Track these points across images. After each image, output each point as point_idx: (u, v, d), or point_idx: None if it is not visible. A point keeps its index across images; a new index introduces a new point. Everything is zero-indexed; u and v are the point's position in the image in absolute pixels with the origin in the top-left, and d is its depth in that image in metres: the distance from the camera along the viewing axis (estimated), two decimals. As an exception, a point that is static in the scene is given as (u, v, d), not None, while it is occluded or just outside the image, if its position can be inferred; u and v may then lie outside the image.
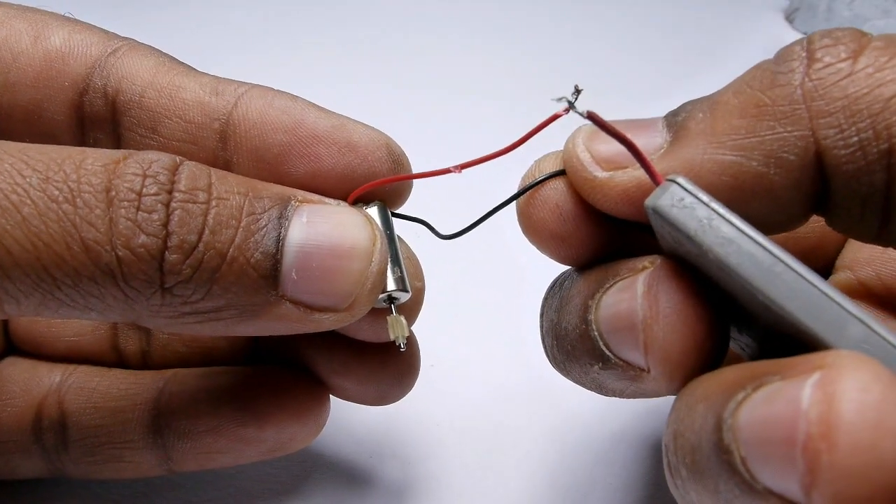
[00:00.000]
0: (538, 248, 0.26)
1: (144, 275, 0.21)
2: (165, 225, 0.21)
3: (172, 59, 0.27)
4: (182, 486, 0.33)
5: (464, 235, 0.27)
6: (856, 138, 0.20)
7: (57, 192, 0.20)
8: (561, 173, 0.24)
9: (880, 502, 0.15)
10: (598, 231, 0.25)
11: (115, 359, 0.31)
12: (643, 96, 0.60)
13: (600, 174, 0.23)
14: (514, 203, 0.26)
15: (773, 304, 0.19)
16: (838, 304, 0.19)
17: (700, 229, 0.20)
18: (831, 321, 0.18)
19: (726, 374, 0.20)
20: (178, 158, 0.23)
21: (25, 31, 0.26)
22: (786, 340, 0.20)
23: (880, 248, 0.28)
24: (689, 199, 0.20)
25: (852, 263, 0.29)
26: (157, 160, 0.22)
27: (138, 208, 0.21)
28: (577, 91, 0.22)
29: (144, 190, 0.21)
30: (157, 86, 0.26)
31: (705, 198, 0.20)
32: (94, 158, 0.21)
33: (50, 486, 0.33)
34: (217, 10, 0.69)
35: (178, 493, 0.33)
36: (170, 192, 0.22)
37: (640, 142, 0.22)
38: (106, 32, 0.28)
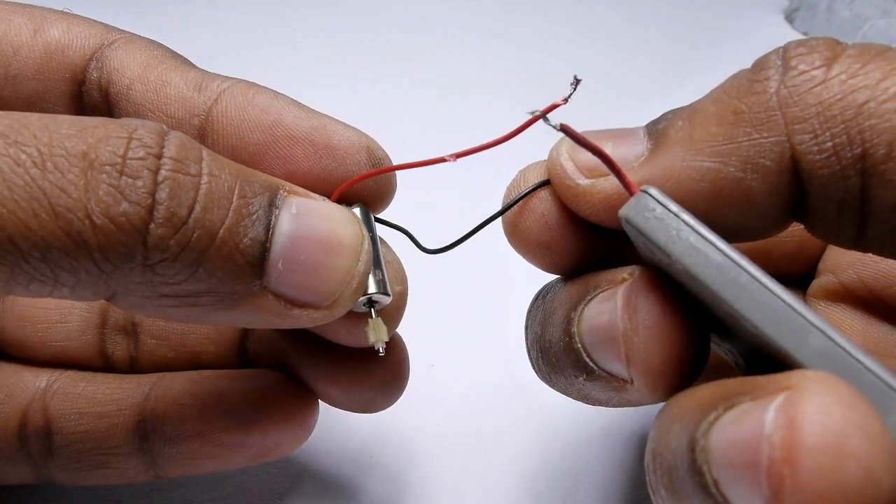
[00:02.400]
0: (524, 256, 0.26)
1: (124, 247, 0.19)
2: (152, 194, 0.20)
3: (169, 53, 0.27)
4: (182, 486, 0.33)
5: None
6: (830, 143, 0.20)
7: (24, 157, 0.19)
8: (545, 183, 0.25)
9: None
10: (583, 239, 0.25)
11: (103, 364, 0.31)
12: (643, 96, 0.60)
13: (583, 181, 0.23)
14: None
15: (737, 315, 0.19)
16: (800, 314, 0.19)
17: (669, 239, 0.20)
18: (793, 331, 0.19)
19: (701, 393, 0.20)
20: (164, 126, 0.21)
21: (25, 25, 0.26)
22: (760, 350, 0.20)
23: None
24: (659, 210, 0.20)
25: (834, 267, 0.29)
26: (143, 125, 0.21)
27: (121, 173, 0.19)
28: (577, 81, 0.23)
29: (130, 153, 0.20)
30: (145, 80, 0.26)
31: (675, 208, 0.20)
32: (70, 124, 0.20)
33: (50, 486, 0.32)
34: (216, 8, 0.69)
35: (178, 493, 0.33)
36: (158, 157, 0.20)
37: (621, 150, 0.22)
38: (104, 25, 0.28)
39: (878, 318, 0.28)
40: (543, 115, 0.22)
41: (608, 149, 0.22)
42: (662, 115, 0.23)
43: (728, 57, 0.66)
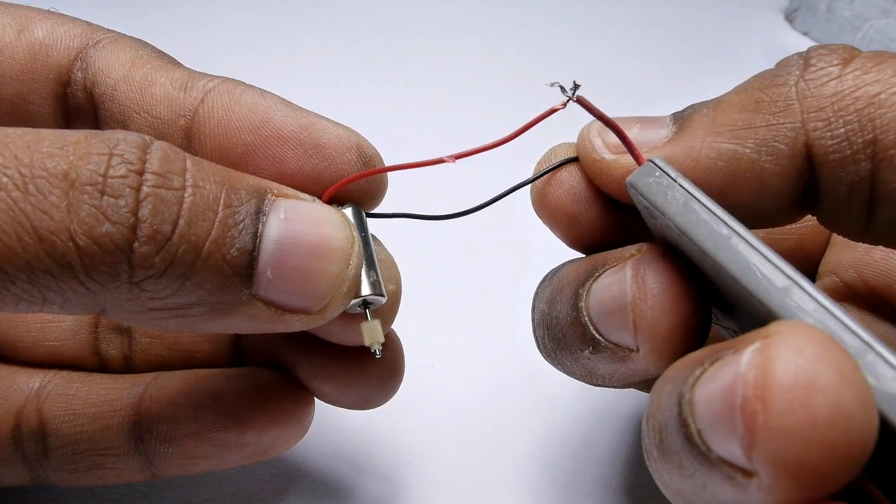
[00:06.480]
0: (551, 227, 0.27)
1: (108, 267, 0.19)
2: (135, 212, 0.19)
3: (154, 52, 0.27)
4: (181, 485, 0.33)
5: (464, 222, 0.26)
6: (842, 129, 0.21)
7: (6, 179, 0.19)
8: (574, 160, 0.26)
9: (816, 460, 0.16)
10: (606, 216, 0.26)
11: (97, 364, 0.31)
12: (643, 96, 0.60)
13: (608, 156, 0.25)
14: (524, 189, 0.27)
15: (723, 271, 0.20)
16: (779, 268, 0.20)
17: (665, 201, 0.22)
18: (771, 285, 0.19)
19: (692, 355, 0.20)
20: (147, 137, 0.21)
21: (9, 25, 0.26)
22: (753, 314, 0.21)
23: (862, 250, 0.29)
24: (661, 176, 0.22)
25: (836, 267, 0.30)
26: (125, 139, 0.20)
27: (103, 192, 0.19)
28: (576, 86, 0.24)
29: (111, 172, 0.20)
30: (130, 80, 0.25)
31: (673, 174, 0.22)
32: (52, 141, 0.20)
33: (50, 486, 0.32)
34: (213, 7, 0.69)
35: (178, 493, 0.33)
36: (140, 173, 0.20)
37: (647, 133, 0.24)
38: (89, 24, 0.27)
39: (880, 317, 0.29)
40: (561, 87, 0.24)
41: (635, 129, 0.24)
42: (689, 106, 0.25)
43: (728, 56, 0.66)
